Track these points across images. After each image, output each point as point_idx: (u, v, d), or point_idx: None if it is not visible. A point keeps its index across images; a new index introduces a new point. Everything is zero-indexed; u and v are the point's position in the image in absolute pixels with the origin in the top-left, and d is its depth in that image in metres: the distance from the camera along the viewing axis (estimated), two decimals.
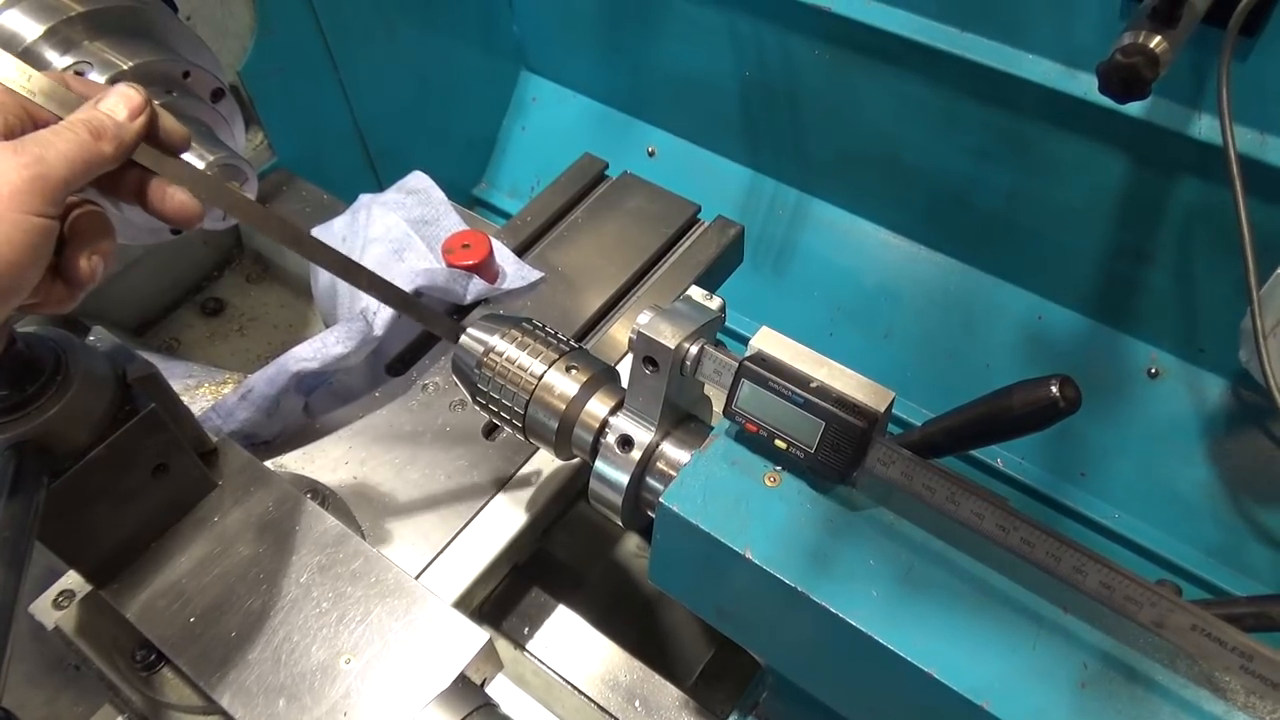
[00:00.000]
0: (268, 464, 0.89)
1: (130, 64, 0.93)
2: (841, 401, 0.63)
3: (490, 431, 0.98)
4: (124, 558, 0.77)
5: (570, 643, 0.97)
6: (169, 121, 0.64)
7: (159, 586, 0.76)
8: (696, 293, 0.80)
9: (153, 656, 0.79)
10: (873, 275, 1.56)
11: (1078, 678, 0.58)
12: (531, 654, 0.96)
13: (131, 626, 0.76)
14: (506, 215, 1.84)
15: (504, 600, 0.99)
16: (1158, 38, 0.85)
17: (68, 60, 0.92)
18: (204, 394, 1.09)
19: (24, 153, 0.56)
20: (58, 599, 0.83)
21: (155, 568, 0.77)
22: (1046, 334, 1.45)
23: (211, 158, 0.92)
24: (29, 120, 0.59)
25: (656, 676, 0.95)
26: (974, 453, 1.47)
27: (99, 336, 0.77)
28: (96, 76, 0.91)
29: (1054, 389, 0.62)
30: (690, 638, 1.08)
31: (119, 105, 0.61)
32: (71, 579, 0.84)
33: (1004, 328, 1.47)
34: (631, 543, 1.14)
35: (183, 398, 0.84)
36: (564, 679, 0.94)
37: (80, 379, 0.67)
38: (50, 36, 0.93)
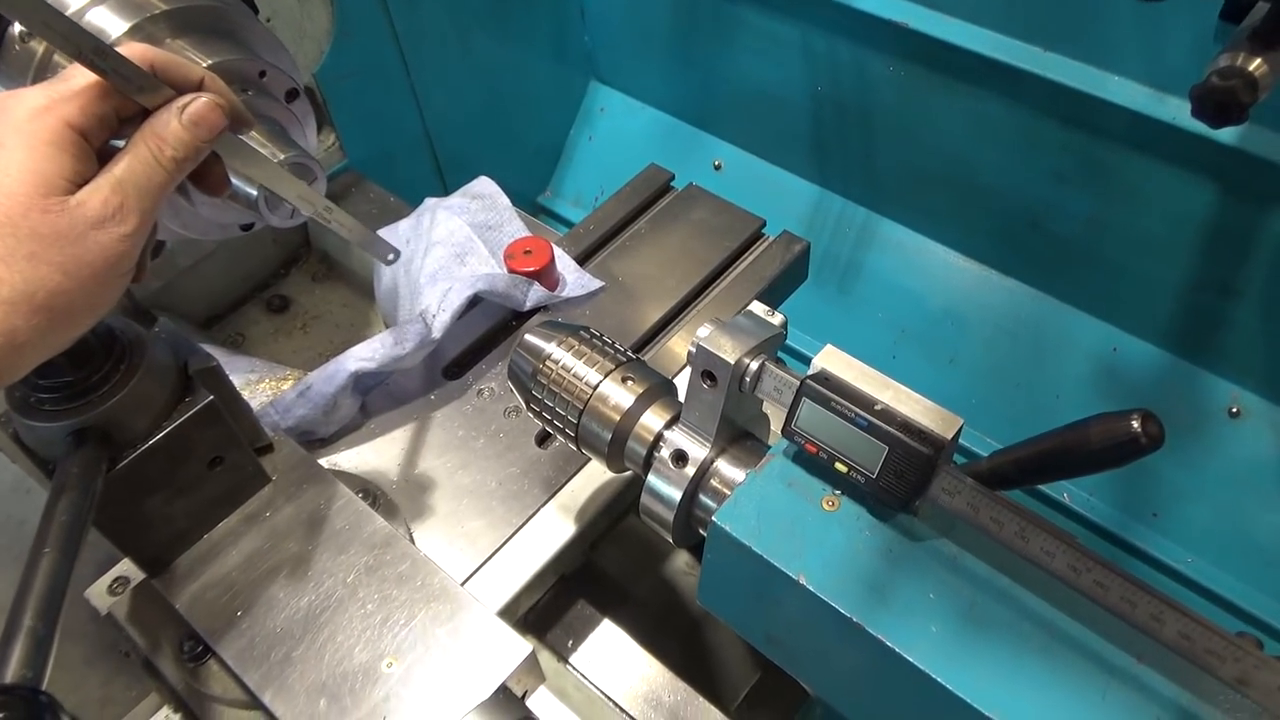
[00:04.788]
0: (321, 461, 0.89)
1: (209, 61, 0.94)
2: (907, 426, 0.61)
3: (543, 440, 0.97)
4: (176, 548, 0.77)
5: (614, 658, 0.96)
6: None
7: (209, 578, 0.76)
8: (758, 308, 0.78)
9: (200, 648, 0.80)
10: (940, 298, 1.52)
11: None
12: (574, 668, 0.95)
13: (181, 617, 0.76)
14: (570, 223, 1.84)
15: (549, 611, 0.97)
16: (1257, 60, 0.80)
17: None
18: (265, 389, 1.10)
19: (125, 218, 0.56)
20: (113, 585, 0.85)
21: (206, 560, 0.77)
22: (1121, 367, 1.39)
23: (282, 156, 0.93)
24: (114, 116, 0.59)
25: (700, 699, 0.93)
26: (1040, 486, 1.42)
27: (163, 328, 0.78)
28: None
29: (1135, 424, 0.58)
30: (735, 660, 1.06)
31: (204, 130, 0.60)
32: (127, 566, 0.85)
33: (1076, 359, 1.42)
34: (680, 560, 1.12)
35: (244, 392, 0.85)
36: (606, 695, 0.93)
37: (143, 368, 0.68)
38: (134, 33, 0.94)
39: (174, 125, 0.59)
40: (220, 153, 0.64)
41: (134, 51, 0.59)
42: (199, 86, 0.62)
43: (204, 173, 0.65)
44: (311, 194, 0.75)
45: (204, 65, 0.94)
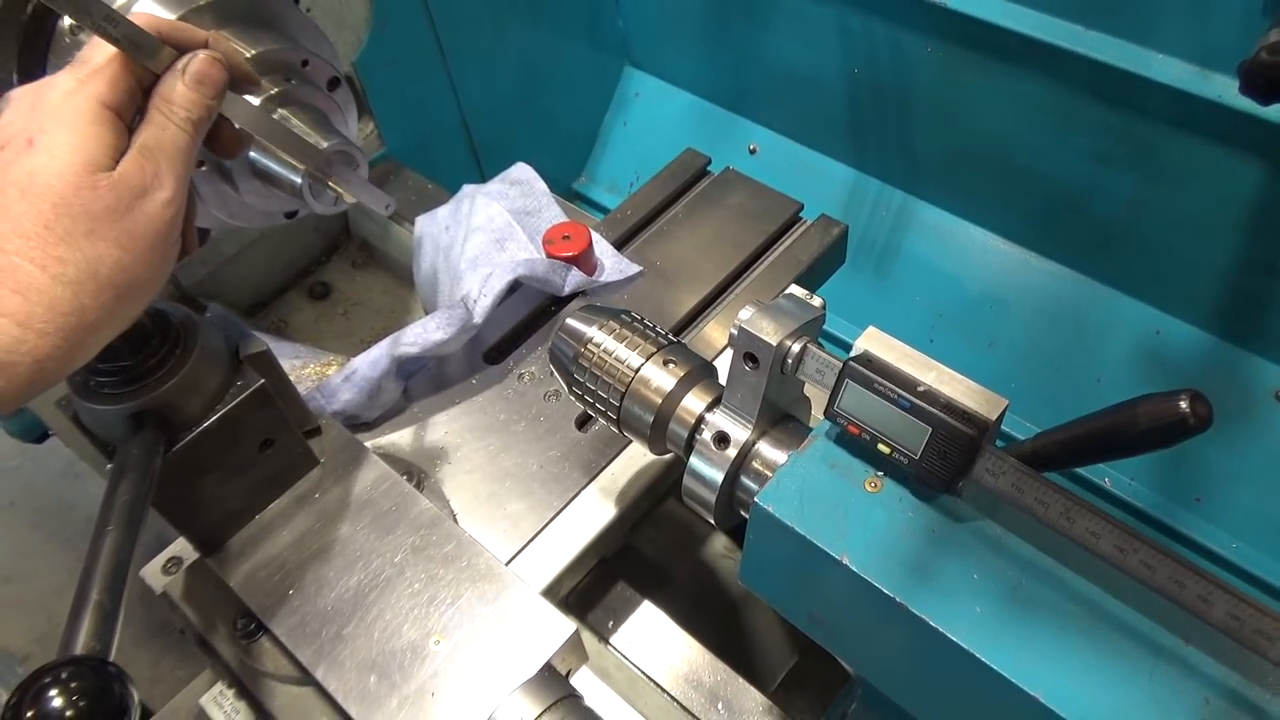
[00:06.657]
0: (366, 444, 0.90)
1: (252, 52, 0.96)
2: (950, 407, 0.61)
3: (583, 423, 0.98)
4: (229, 528, 0.79)
5: (654, 639, 0.96)
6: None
7: (261, 558, 0.78)
8: (796, 292, 0.79)
9: (253, 625, 0.81)
10: (978, 281, 1.51)
11: (1199, 714, 0.54)
12: (615, 648, 0.96)
13: (234, 595, 0.78)
14: (605, 209, 1.85)
15: (590, 593, 0.98)
16: None
17: None
18: (309, 374, 1.12)
19: (163, 183, 0.57)
20: (166, 565, 0.87)
21: (258, 540, 0.79)
22: (1164, 350, 1.37)
23: (325, 144, 0.95)
24: (138, 88, 0.60)
25: (740, 680, 0.94)
26: (1081, 470, 1.41)
27: (215, 314, 0.80)
28: None
29: (1184, 404, 0.58)
30: (774, 642, 1.06)
31: (208, 85, 0.61)
32: (180, 546, 0.87)
33: (1118, 341, 1.41)
34: (719, 543, 1.13)
35: (290, 377, 0.87)
36: (647, 675, 0.94)
37: (197, 352, 0.70)
38: None
39: (180, 86, 0.60)
40: (228, 115, 0.65)
41: (141, 20, 0.60)
42: (206, 47, 0.63)
43: (215, 135, 0.66)
44: (310, 148, 0.76)
45: (247, 55, 0.95)
